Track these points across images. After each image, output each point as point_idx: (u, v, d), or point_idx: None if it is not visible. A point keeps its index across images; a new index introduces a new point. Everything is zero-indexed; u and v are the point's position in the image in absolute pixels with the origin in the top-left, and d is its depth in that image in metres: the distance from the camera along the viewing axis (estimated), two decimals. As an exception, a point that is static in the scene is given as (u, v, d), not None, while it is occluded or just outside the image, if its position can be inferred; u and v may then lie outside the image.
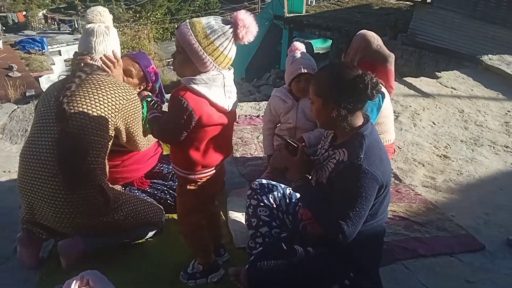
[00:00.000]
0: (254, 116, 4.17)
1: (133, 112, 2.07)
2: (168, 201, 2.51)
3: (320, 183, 1.83)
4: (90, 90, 1.96)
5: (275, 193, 2.14)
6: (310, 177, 1.88)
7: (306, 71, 2.59)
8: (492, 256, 2.34)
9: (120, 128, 2.04)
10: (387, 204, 1.88)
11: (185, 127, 1.73)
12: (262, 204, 2.11)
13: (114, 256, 2.20)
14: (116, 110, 1.99)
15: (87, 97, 1.94)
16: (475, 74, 5.18)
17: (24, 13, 29.10)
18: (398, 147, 3.47)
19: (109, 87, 2.00)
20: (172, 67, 1.91)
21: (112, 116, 1.98)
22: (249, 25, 1.68)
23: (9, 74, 15.27)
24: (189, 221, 1.99)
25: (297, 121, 2.67)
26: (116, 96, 1.99)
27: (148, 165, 2.56)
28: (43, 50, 20.51)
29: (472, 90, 4.75)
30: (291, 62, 2.65)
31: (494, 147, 3.58)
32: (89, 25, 2.11)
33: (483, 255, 2.34)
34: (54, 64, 19.63)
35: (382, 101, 2.61)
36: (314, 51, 17.98)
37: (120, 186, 2.36)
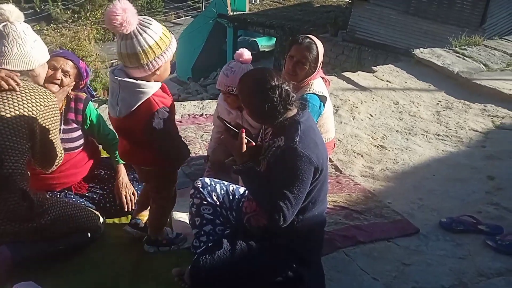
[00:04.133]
0: (197, 115, 4.15)
1: (51, 121, 1.95)
2: (108, 204, 2.45)
3: (263, 171, 1.89)
4: (5, 95, 1.84)
5: (218, 190, 2.15)
6: (253, 163, 1.91)
7: (218, 87, 2.62)
8: (426, 239, 2.47)
9: (36, 136, 1.91)
10: (326, 192, 1.96)
11: None
12: (205, 202, 2.11)
13: (51, 265, 2.12)
14: (33, 116, 1.87)
15: (1, 103, 1.82)
16: (408, 67, 5.43)
17: None
18: (338, 140, 3.59)
19: (26, 92, 1.88)
20: None
21: (28, 123, 1.86)
22: (106, 17, 1.71)
23: None
24: None
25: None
26: (33, 102, 1.88)
27: (86, 169, 2.49)
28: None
29: (406, 82, 4.99)
30: None
31: (426, 136, 3.78)
32: None
33: (418, 238, 2.47)
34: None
35: (323, 106, 2.68)
36: (260, 49, 18.17)
37: (48, 193, 2.27)
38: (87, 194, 2.45)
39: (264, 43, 18.30)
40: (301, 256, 1.94)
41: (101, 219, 2.33)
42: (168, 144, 1.99)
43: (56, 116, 1.98)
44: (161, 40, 1.78)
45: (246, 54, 2.51)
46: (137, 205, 2.37)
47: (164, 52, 1.80)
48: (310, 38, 2.60)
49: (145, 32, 1.74)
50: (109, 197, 2.47)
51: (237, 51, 2.55)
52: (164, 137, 1.93)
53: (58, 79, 2.25)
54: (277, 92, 1.75)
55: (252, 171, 1.88)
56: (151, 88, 1.85)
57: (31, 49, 1.92)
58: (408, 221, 2.59)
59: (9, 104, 1.84)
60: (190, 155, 3.33)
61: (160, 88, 1.92)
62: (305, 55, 2.56)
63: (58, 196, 2.37)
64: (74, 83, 2.36)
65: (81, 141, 2.41)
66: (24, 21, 1.93)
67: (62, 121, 2.33)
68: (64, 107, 2.35)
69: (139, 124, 1.87)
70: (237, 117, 2.68)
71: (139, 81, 1.82)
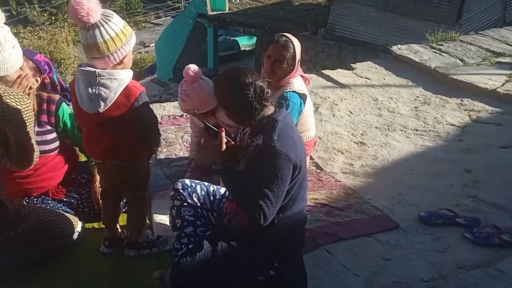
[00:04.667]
0: (177, 116, 4.11)
1: (26, 122, 1.90)
2: (86, 209, 2.42)
3: (242, 170, 1.90)
4: None
5: (199, 191, 2.15)
6: (233, 162, 1.92)
7: (182, 111, 2.64)
8: (406, 233, 2.50)
9: (10, 140, 1.86)
10: (305, 189, 1.97)
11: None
12: (186, 204, 2.10)
13: (30, 272, 2.10)
14: (6, 120, 1.82)
15: None
16: (387, 63, 5.48)
17: None
18: (319, 137, 3.61)
19: None
20: None
21: (1, 127, 1.81)
22: (71, 8, 1.76)
23: None
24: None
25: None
26: (5, 106, 1.82)
27: (63, 172, 2.44)
28: None
29: (384, 79, 5.04)
30: None
31: (405, 131, 3.83)
32: None
33: (398, 233, 2.50)
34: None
35: (304, 104, 2.69)
36: (241, 49, 18.17)
37: (24, 199, 2.23)
38: (65, 199, 2.40)
39: (245, 42, 18.29)
40: (283, 255, 1.95)
41: (80, 224, 2.30)
42: (150, 130, 2.07)
43: (30, 118, 1.93)
44: (124, 28, 1.87)
45: (191, 71, 2.44)
46: (106, 228, 2.29)
47: (129, 40, 1.89)
48: (286, 37, 2.61)
49: (109, 21, 1.82)
50: (87, 201, 2.43)
51: (184, 70, 2.48)
52: (147, 123, 2.03)
53: None
54: (252, 89, 1.76)
55: (232, 171, 1.88)
56: (127, 75, 1.93)
57: (9, 55, 1.90)
58: (388, 216, 2.62)
59: None
60: (171, 157, 3.35)
61: None
62: (282, 54, 2.57)
63: (35, 202, 2.32)
64: (29, 74, 2.22)
65: (57, 143, 2.36)
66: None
67: (36, 123, 2.28)
68: (36, 109, 2.30)
69: (124, 111, 1.93)
70: (215, 118, 2.68)
71: (115, 70, 1.89)
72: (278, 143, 1.74)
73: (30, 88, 2.18)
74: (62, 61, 17.63)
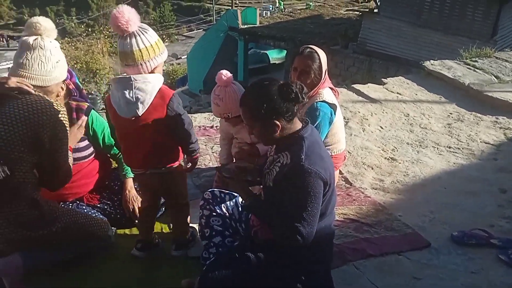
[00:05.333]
0: (208, 126, 4.17)
1: (60, 130, 1.94)
2: (118, 216, 2.47)
3: (267, 187, 1.88)
4: (12, 106, 1.84)
5: (228, 202, 2.16)
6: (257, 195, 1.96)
7: (215, 116, 2.73)
8: (437, 253, 2.44)
9: (45, 146, 1.89)
10: (333, 204, 1.95)
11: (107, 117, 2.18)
12: (215, 214, 2.13)
13: (60, 273, 2.16)
14: (42, 125, 1.86)
15: (9, 114, 1.82)
16: (419, 79, 5.42)
17: (-31, 30, 27.85)
18: (349, 152, 3.58)
19: (32, 104, 1.86)
20: None
21: (36, 134, 1.85)
22: (112, 17, 1.91)
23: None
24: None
25: (252, 137, 2.70)
26: (39, 112, 1.86)
27: (97, 179, 2.51)
28: (-9, 68, 19.64)
29: (416, 94, 4.97)
30: None
31: (438, 148, 3.76)
32: (24, 38, 1.99)
33: (429, 252, 2.44)
34: (3, 81, 18.76)
35: (334, 114, 2.69)
36: (271, 62, 18.30)
37: (60, 204, 2.30)
38: (98, 205, 2.46)
39: (275, 56, 18.42)
40: (310, 269, 1.93)
41: (112, 229, 2.35)
42: (188, 130, 2.15)
43: (65, 126, 1.97)
44: (158, 41, 2.02)
45: (223, 76, 2.49)
46: (144, 230, 2.36)
47: (162, 53, 2.04)
48: (311, 48, 2.64)
49: (145, 33, 1.97)
50: (120, 208, 2.49)
51: (217, 76, 2.54)
52: (184, 122, 2.11)
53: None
54: (293, 86, 1.75)
55: (259, 203, 1.92)
56: (158, 79, 2.05)
57: (52, 68, 2.01)
58: (419, 234, 2.57)
59: (15, 115, 1.82)
60: (201, 167, 3.39)
61: None
62: (308, 64, 2.59)
63: (70, 206, 2.39)
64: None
65: (90, 150, 2.42)
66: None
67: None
68: None
69: (161, 112, 2.03)
70: (242, 127, 2.69)
71: (147, 75, 2.01)
72: (307, 161, 1.72)
73: (57, 95, 2.20)
74: (97, 71, 18.15)
